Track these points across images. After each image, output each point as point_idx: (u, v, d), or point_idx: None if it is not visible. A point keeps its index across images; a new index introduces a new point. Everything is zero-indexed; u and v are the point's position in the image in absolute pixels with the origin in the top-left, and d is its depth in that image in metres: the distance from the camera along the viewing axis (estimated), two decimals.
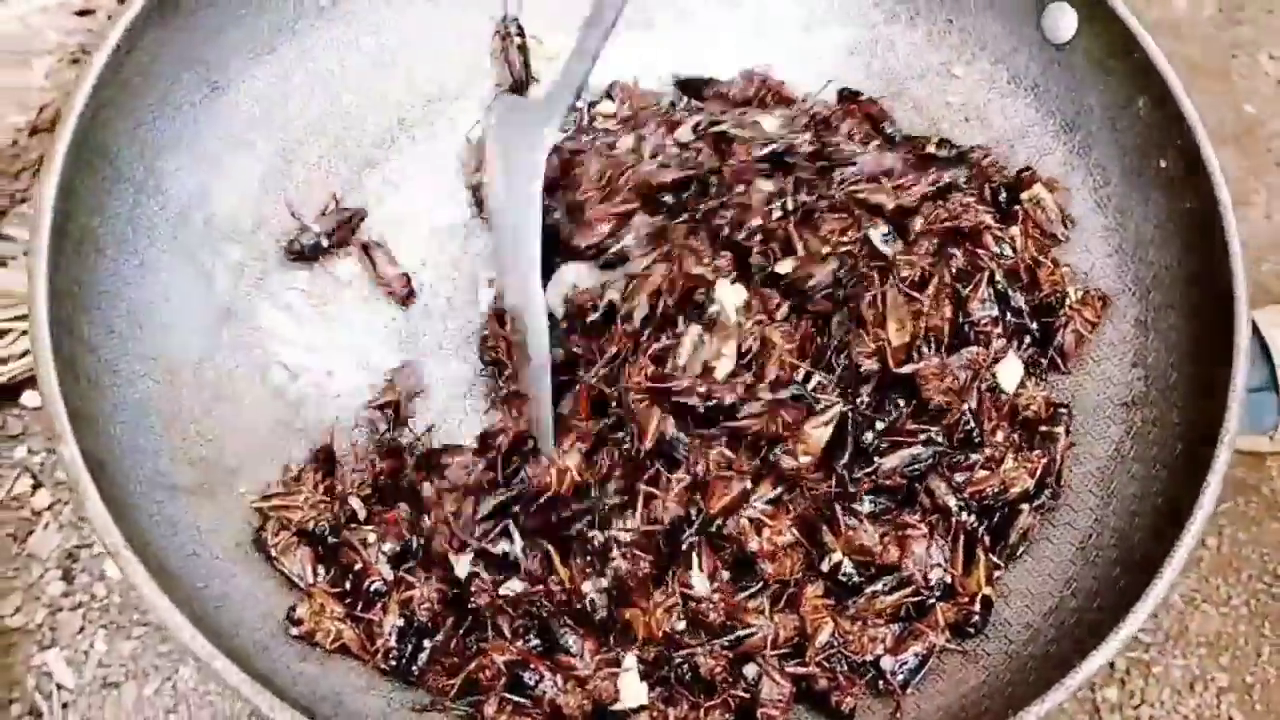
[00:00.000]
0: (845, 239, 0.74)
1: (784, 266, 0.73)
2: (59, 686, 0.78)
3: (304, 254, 0.79)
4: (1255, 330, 0.90)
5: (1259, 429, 0.90)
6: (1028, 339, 0.77)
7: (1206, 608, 0.87)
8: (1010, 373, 0.74)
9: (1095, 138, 0.80)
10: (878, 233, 0.75)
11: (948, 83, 0.86)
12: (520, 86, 0.86)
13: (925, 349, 0.72)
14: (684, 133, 0.78)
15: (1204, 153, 0.71)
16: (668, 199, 0.76)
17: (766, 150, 0.77)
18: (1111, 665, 0.84)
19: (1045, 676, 0.59)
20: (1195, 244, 0.72)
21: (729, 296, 0.72)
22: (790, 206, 0.75)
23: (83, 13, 0.92)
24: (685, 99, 0.87)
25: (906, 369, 0.70)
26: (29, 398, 0.87)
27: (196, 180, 0.75)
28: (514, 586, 0.67)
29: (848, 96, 0.87)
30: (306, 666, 0.63)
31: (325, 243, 0.79)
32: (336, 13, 0.82)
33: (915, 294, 0.72)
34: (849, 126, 0.83)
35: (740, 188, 0.75)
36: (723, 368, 0.70)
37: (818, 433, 0.68)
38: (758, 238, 0.74)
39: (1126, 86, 0.77)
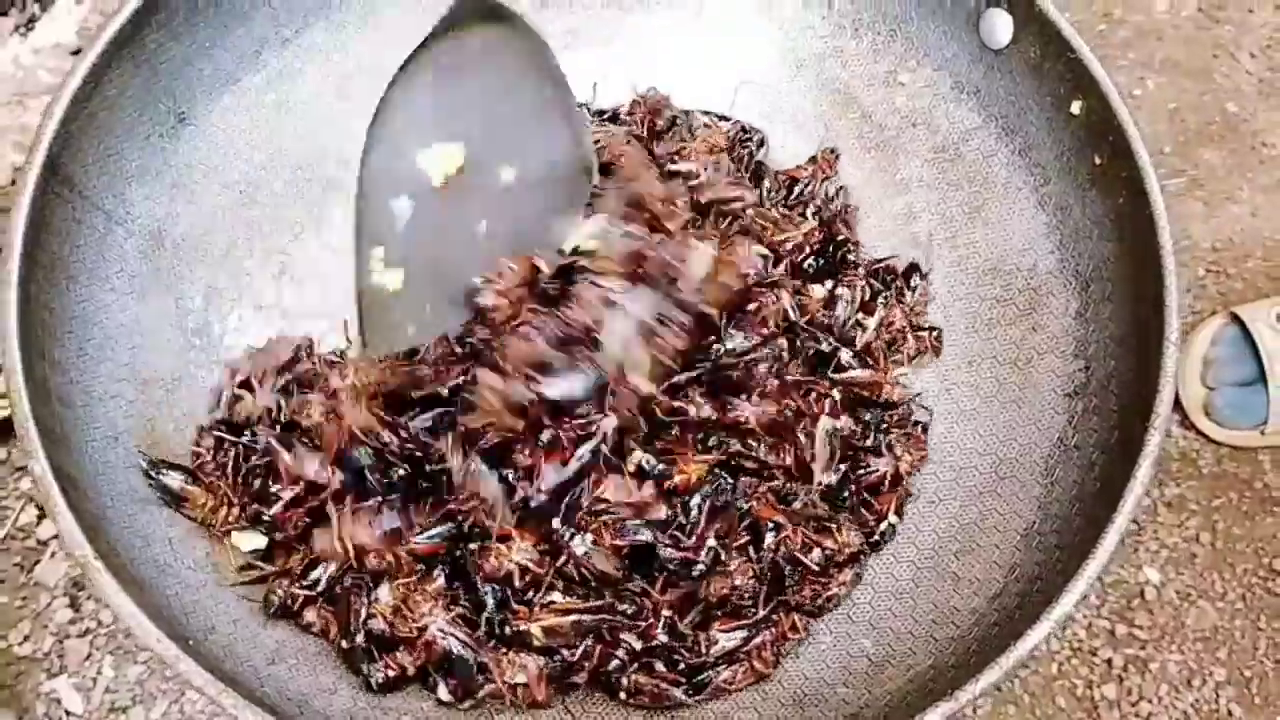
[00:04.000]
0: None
1: None
2: (68, 713, 0.78)
3: (249, 422, 0.75)
4: (1243, 326, 0.91)
5: (1249, 424, 0.91)
6: None
7: (1202, 603, 0.87)
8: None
9: (1035, 138, 0.82)
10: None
11: (894, 91, 0.89)
12: None
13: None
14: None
15: (1134, 148, 0.73)
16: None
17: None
18: (1109, 662, 0.84)
19: (985, 658, 0.60)
20: (1129, 237, 0.74)
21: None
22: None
23: (77, 53, 0.95)
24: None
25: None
26: None
27: (166, 207, 0.78)
28: None
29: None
30: (275, 669, 0.65)
31: (283, 402, 0.75)
32: (299, 43, 0.85)
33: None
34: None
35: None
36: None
37: None
38: None
39: (1062, 87, 0.79)
